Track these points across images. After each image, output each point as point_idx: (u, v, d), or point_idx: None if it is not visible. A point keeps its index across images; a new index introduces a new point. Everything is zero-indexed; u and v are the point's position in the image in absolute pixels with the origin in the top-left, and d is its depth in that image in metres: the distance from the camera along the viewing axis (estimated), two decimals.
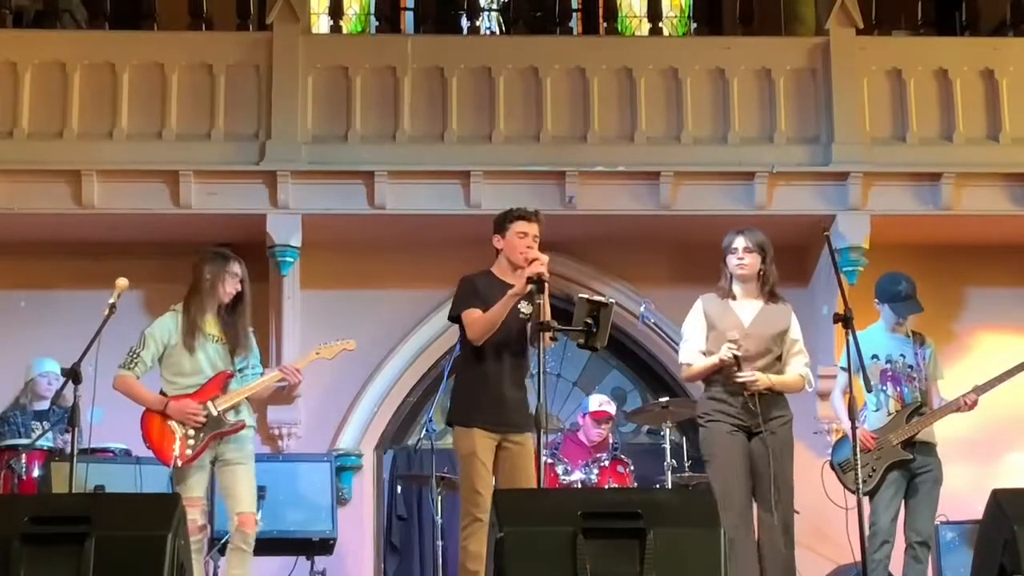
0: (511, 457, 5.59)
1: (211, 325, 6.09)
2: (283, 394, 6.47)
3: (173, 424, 5.92)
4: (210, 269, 6.12)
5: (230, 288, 6.11)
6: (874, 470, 6.58)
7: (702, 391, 6.05)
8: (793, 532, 5.80)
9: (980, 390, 6.71)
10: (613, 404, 8.29)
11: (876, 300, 6.83)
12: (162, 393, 6.03)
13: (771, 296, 5.94)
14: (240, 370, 6.13)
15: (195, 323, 6.03)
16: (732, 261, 5.91)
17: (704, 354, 5.88)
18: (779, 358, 5.90)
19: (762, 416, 5.74)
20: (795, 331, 5.98)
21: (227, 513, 6.03)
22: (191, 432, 5.91)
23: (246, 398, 6.08)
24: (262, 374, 6.24)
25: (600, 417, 8.07)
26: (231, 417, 6.01)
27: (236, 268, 6.15)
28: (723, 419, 5.78)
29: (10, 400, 7.67)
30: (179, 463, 5.84)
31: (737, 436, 5.77)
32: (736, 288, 5.92)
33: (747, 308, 5.91)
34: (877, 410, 6.72)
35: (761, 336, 5.85)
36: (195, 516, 5.80)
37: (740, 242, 5.90)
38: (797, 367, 5.94)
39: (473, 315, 5.61)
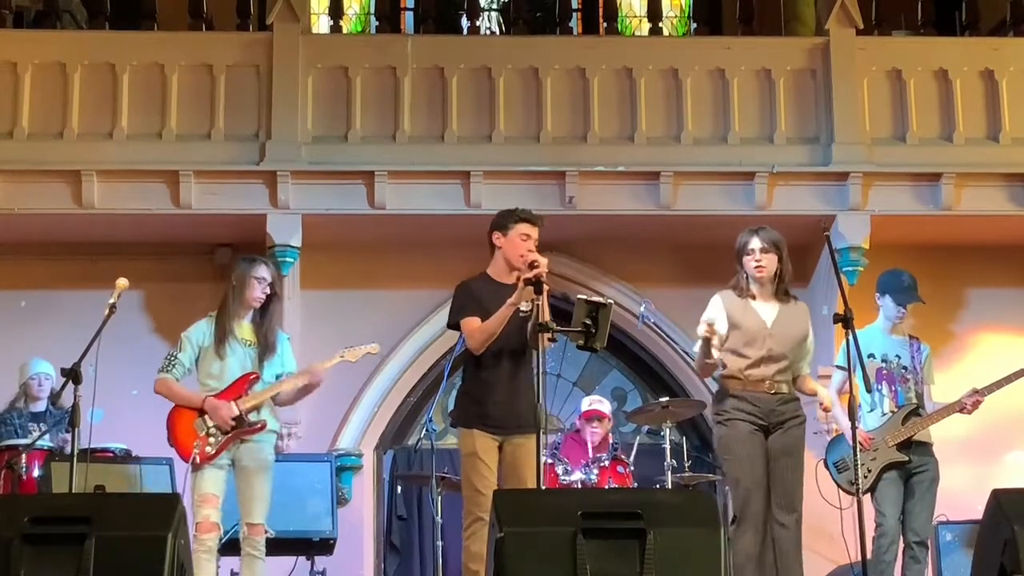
0: (512, 457, 5.59)
1: (245, 330, 6.17)
2: (304, 395, 6.47)
3: (197, 423, 6.00)
4: (237, 274, 6.21)
5: (257, 293, 6.16)
6: (869, 470, 6.56)
7: (717, 390, 5.97)
8: (800, 531, 5.79)
9: (982, 392, 6.71)
10: (605, 402, 8.26)
11: (877, 294, 6.82)
12: None
13: (785, 295, 5.86)
14: (278, 376, 6.18)
15: (225, 328, 6.11)
16: (750, 263, 5.79)
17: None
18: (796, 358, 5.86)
19: (781, 415, 5.73)
20: (810, 332, 5.94)
21: (240, 517, 6.06)
22: (212, 431, 5.98)
23: (272, 402, 6.15)
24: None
25: (591, 416, 8.03)
26: (252, 417, 6.06)
27: (262, 272, 6.20)
28: (743, 417, 5.71)
29: (7, 402, 7.67)
30: (199, 460, 5.92)
31: (756, 436, 5.71)
32: (754, 288, 5.82)
33: (767, 309, 5.82)
34: (871, 410, 6.71)
35: (784, 337, 5.78)
36: (209, 512, 5.90)
37: (756, 243, 5.78)
38: (807, 367, 5.93)
39: (472, 324, 5.59)
